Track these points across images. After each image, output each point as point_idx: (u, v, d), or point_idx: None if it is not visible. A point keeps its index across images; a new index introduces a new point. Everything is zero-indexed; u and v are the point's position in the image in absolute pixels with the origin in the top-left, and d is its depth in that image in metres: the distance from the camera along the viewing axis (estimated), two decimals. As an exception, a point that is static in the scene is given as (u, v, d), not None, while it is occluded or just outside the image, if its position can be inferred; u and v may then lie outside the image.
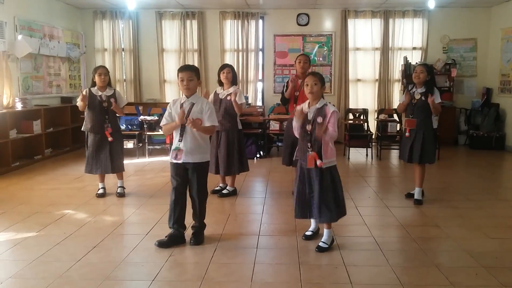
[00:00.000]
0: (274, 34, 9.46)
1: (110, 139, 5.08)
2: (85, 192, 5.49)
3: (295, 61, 5.25)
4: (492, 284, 3.06)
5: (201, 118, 3.67)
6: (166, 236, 3.80)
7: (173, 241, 3.76)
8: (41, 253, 3.57)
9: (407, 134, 5.00)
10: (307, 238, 3.89)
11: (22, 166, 6.94)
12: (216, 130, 5.15)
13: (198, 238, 3.81)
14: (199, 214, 3.84)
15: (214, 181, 5.38)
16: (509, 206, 4.94)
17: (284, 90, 5.15)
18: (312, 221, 3.94)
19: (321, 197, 3.58)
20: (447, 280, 3.11)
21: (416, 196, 5.06)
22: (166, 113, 3.78)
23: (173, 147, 3.72)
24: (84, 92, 5.02)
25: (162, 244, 3.72)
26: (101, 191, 5.30)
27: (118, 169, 5.26)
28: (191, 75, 3.64)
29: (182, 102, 3.72)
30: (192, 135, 3.68)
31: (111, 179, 5.63)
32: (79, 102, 5.05)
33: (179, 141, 3.69)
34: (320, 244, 3.68)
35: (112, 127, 5.13)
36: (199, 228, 3.86)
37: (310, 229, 3.95)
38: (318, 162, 3.53)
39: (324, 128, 3.45)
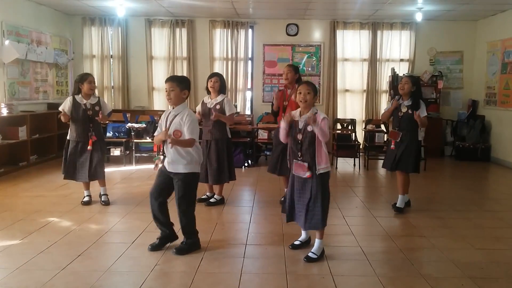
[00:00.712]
0: (264, 43, 9.50)
1: (89, 147, 5.03)
2: (70, 199, 5.42)
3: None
4: (477, 295, 3.08)
5: (181, 130, 3.67)
6: (157, 238, 3.84)
7: (165, 241, 3.85)
8: (24, 261, 3.51)
9: (392, 146, 5.05)
10: (295, 247, 3.88)
11: (6, 173, 6.84)
12: (206, 139, 5.16)
13: (181, 250, 3.76)
14: (183, 228, 3.80)
15: (201, 189, 5.35)
16: (494, 217, 4.99)
17: (272, 104, 5.23)
18: (303, 231, 3.94)
19: (311, 204, 3.61)
20: (433, 291, 3.13)
21: (397, 204, 5.11)
22: (159, 123, 3.87)
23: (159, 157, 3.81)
24: (64, 111, 4.95)
25: (154, 248, 3.78)
26: (86, 198, 5.24)
27: (97, 177, 5.17)
28: (172, 85, 3.67)
29: (169, 112, 3.78)
30: (174, 147, 3.69)
31: (97, 187, 5.58)
32: (62, 118, 5.01)
33: (160, 150, 3.76)
34: (310, 254, 3.68)
35: (96, 135, 5.09)
36: (187, 240, 3.81)
37: (300, 238, 3.94)
38: (307, 173, 3.59)
39: (314, 118, 3.48)
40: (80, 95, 5.04)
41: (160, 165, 3.76)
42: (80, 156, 5.07)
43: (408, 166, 5.02)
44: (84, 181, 5.18)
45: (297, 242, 3.91)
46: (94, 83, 5.08)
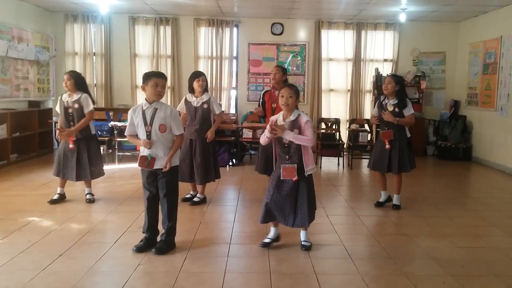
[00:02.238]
0: (249, 42, 9.49)
1: (71, 146, 4.95)
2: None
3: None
4: (459, 292, 3.12)
5: (165, 124, 3.65)
6: (141, 241, 3.79)
7: (150, 244, 3.76)
8: (4, 262, 3.45)
9: (387, 146, 5.05)
10: (265, 245, 3.87)
11: (-14, 172, 6.72)
12: (190, 138, 5.11)
13: (162, 249, 3.71)
14: (169, 224, 3.77)
15: (185, 189, 5.32)
16: (475, 216, 5.06)
17: (260, 104, 5.32)
18: (272, 229, 3.94)
19: (299, 203, 3.67)
20: (415, 289, 3.15)
21: (395, 202, 5.25)
22: (129, 122, 3.75)
23: (143, 154, 3.68)
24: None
25: (140, 249, 3.71)
26: (55, 196, 5.16)
27: (84, 177, 5.12)
28: (164, 83, 3.67)
29: (144, 108, 3.67)
30: (160, 142, 3.67)
31: (79, 186, 5.52)
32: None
33: (148, 148, 3.65)
34: (304, 243, 3.82)
35: (78, 133, 4.98)
36: (167, 237, 3.78)
37: (269, 236, 3.94)
38: (295, 178, 3.63)
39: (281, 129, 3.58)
40: (67, 93, 5.03)
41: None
42: (65, 154, 5.02)
43: (406, 166, 5.13)
44: (70, 180, 5.13)
45: (267, 240, 3.91)
46: (68, 79, 4.93)
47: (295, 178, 3.64)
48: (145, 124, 3.65)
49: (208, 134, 5.10)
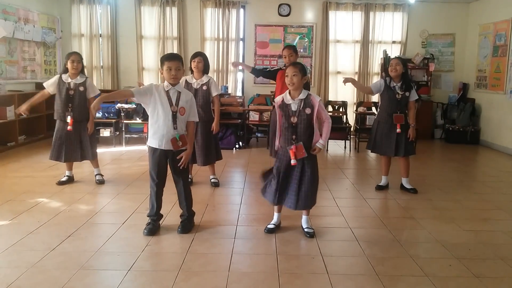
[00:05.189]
0: (255, 24, 9.40)
1: (69, 128, 4.93)
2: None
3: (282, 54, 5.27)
4: (465, 275, 3.12)
5: (185, 108, 3.70)
6: (148, 224, 3.82)
7: (158, 224, 3.87)
8: (14, 242, 3.49)
9: (398, 130, 5.01)
10: (270, 231, 3.86)
11: (-6, 153, 6.77)
12: None
13: (186, 227, 3.83)
14: (189, 201, 3.88)
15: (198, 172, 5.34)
16: (482, 199, 5.04)
17: (269, 69, 5.42)
18: (276, 214, 3.94)
19: (303, 184, 3.63)
20: (421, 271, 3.16)
21: (407, 186, 5.26)
22: (145, 87, 3.68)
23: (171, 135, 3.63)
24: (47, 87, 5.00)
25: (151, 231, 3.74)
26: (64, 178, 5.22)
27: (87, 157, 5.15)
28: (178, 65, 3.63)
29: (167, 89, 3.66)
30: (182, 123, 3.71)
31: (87, 168, 5.56)
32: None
33: (174, 128, 3.64)
34: (307, 230, 3.79)
35: (76, 116, 4.96)
36: (188, 216, 3.88)
37: (273, 222, 3.93)
38: (293, 161, 3.57)
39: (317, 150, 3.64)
40: (67, 74, 4.97)
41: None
42: (65, 136, 5.00)
43: (413, 150, 5.19)
44: (71, 161, 5.15)
45: (271, 226, 3.90)
46: (78, 62, 4.94)
47: (299, 156, 3.57)
48: (171, 104, 3.63)
49: (213, 127, 5.10)
